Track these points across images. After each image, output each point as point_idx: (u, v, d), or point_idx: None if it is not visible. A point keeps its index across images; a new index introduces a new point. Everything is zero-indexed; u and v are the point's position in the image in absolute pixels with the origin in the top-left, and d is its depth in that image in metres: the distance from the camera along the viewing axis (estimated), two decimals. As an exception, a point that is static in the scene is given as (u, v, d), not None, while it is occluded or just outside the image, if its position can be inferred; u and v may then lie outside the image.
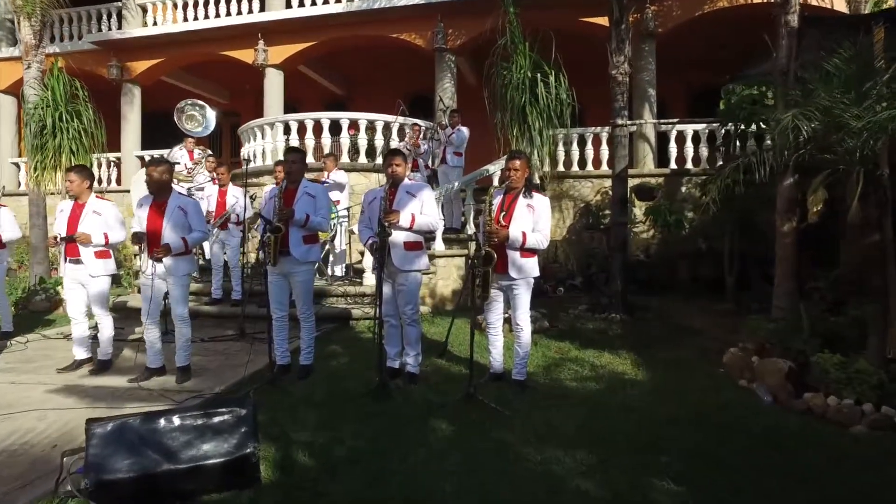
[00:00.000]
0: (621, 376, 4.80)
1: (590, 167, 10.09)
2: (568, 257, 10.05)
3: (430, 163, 9.09)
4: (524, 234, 4.07)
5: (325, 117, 9.58)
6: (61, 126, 8.05)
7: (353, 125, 9.68)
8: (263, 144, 9.98)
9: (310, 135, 9.81)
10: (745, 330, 5.41)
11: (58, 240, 4.75)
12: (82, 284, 4.83)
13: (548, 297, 8.86)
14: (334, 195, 8.09)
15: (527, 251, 4.15)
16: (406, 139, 9.28)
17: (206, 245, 7.73)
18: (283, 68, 12.13)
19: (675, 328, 6.57)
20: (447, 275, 7.98)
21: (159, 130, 13.36)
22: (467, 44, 10.92)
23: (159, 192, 4.54)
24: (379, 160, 9.60)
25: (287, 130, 9.77)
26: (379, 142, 9.75)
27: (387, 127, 9.74)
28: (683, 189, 9.72)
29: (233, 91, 15.29)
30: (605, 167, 9.99)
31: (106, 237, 4.75)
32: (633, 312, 7.23)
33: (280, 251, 4.43)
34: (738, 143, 8.66)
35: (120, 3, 12.79)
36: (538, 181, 9.16)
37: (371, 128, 9.79)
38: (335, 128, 9.68)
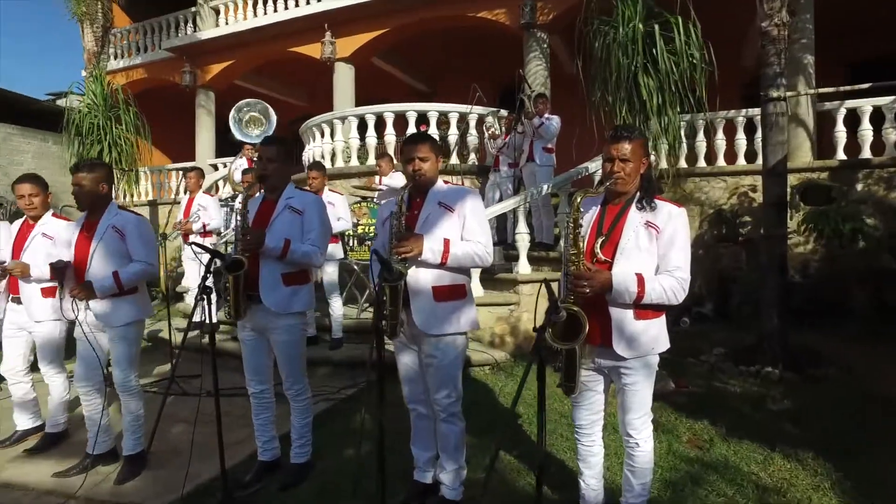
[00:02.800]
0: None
1: (721, 161, 7.80)
2: (693, 277, 7.80)
3: (515, 159, 7.28)
4: (641, 280, 2.22)
5: (389, 111, 8.14)
6: (100, 133, 7.29)
7: (423, 119, 8.15)
8: (322, 146, 8.74)
9: (371, 133, 8.40)
10: None
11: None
12: (28, 331, 3.66)
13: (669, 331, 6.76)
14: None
15: (647, 309, 2.29)
16: (486, 132, 7.60)
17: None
18: (353, 62, 10.92)
19: (882, 401, 4.28)
20: (533, 305, 6.15)
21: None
22: (561, 17, 8.99)
23: (91, 207, 3.22)
24: (454, 160, 7.99)
25: (362, 126, 8.42)
26: (453, 137, 8.12)
27: (463, 119, 8.11)
28: (859, 186, 7.14)
29: (310, 92, 14.43)
30: (741, 161, 7.66)
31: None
32: (799, 364, 4.99)
33: (248, 296, 2.93)
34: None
35: (195, 9, 12.33)
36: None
37: (444, 121, 8.21)
38: (400, 124, 8.20)
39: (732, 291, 7.13)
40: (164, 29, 12.82)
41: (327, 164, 8.62)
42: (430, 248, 2.56)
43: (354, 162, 8.48)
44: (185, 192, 6.46)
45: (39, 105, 12.55)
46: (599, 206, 2.44)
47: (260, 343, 3.06)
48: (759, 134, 6.72)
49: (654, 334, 2.31)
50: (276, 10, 11.26)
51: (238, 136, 8.22)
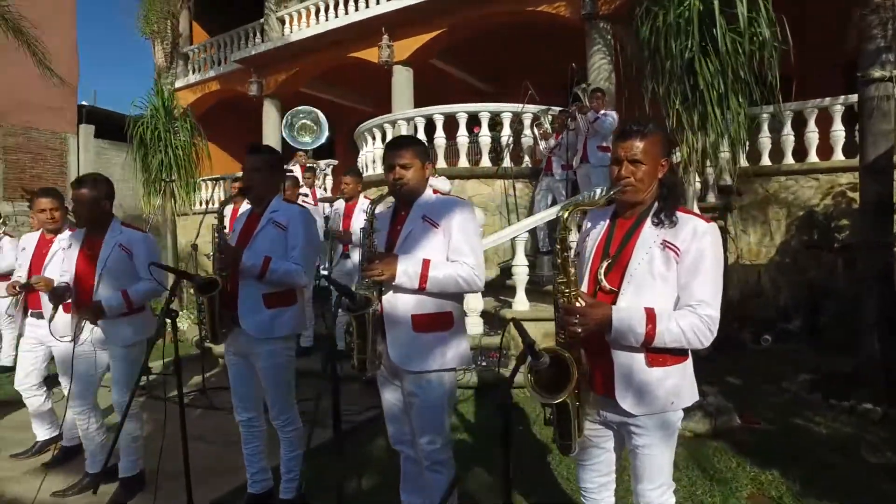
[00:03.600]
0: None
1: (813, 157, 6.83)
2: (778, 288, 6.89)
3: (568, 160, 6.72)
4: (651, 317, 1.72)
5: (438, 113, 7.82)
6: (159, 144, 7.53)
7: (475, 120, 7.77)
8: (374, 150, 8.59)
9: (420, 136, 8.12)
10: None
11: (17, 287, 3.60)
12: (47, 346, 3.66)
13: (744, 349, 5.99)
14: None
15: (664, 352, 1.78)
16: (537, 131, 7.09)
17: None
18: (411, 64, 10.72)
19: None
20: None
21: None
22: (624, 5, 8.26)
23: (92, 224, 3.12)
24: (507, 162, 7.54)
25: (430, 127, 8.17)
26: (506, 138, 7.67)
27: (518, 120, 7.65)
28: None
29: (374, 97, 14.45)
30: (838, 156, 6.67)
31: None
32: (907, 400, 4.14)
33: (230, 317, 2.69)
34: None
35: (262, 21, 12.68)
36: (728, 182, 6.31)
37: (497, 121, 7.78)
38: (450, 126, 7.87)
39: (824, 307, 6.18)
40: (234, 42, 13.28)
41: (374, 171, 8.45)
42: (405, 270, 2.18)
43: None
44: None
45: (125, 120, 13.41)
46: (608, 221, 1.96)
47: (245, 368, 2.82)
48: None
49: (674, 385, 1.80)
50: (336, 16, 11.30)
51: (289, 142, 8.27)
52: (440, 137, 7.75)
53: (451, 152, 8.09)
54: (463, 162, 7.59)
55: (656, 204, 1.84)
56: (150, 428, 3.70)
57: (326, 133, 8.33)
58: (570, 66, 6.33)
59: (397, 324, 2.24)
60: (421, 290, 2.19)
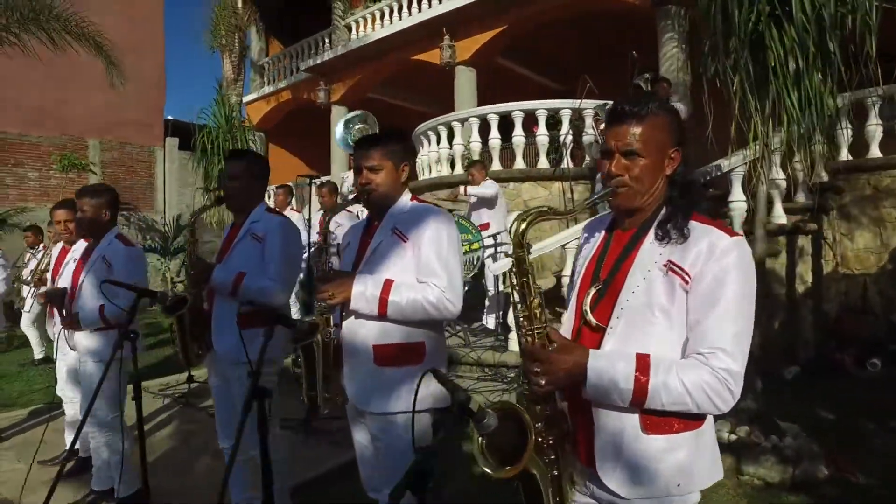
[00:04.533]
0: None
1: (936, 146, 5.74)
2: (890, 303, 5.85)
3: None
4: (644, 366, 1.23)
5: (492, 112, 7.40)
6: (219, 154, 7.71)
7: (532, 119, 7.29)
8: (428, 153, 8.31)
9: (476, 137, 7.75)
10: None
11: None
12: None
13: (843, 375, 5.13)
14: (481, 215, 5.88)
15: (668, 415, 1.28)
16: (595, 129, 6.51)
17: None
18: (474, 64, 10.38)
19: None
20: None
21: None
22: (703, -16, 7.45)
23: (92, 234, 3.04)
24: (566, 162, 6.99)
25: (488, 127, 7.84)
26: (565, 137, 7.11)
27: (578, 117, 7.08)
28: None
29: (442, 101, 14.25)
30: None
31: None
32: None
33: (204, 338, 2.47)
34: None
35: (330, 28, 12.86)
36: (823, 177, 5.41)
37: (555, 119, 7.25)
38: (505, 126, 7.43)
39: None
40: (304, 52, 13.57)
41: (433, 173, 8.18)
42: (362, 292, 1.82)
43: (459, 170, 7.90)
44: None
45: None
46: (605, 233, 1.50)
47: (226, 392, 2.59)
48: None
49: (683, 461, 1.30)
50: (400, 18, 11.19)
51: (342, 147, 8.18)
52: (494, 138, 7.33)
53: (508, 154, 7.64)
54: (519, 163, 7.12)
55: (663, 211, 1.36)
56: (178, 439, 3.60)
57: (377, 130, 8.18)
58: (629, 55, 5.70)
59: (357, 355, 1.89)
60: (381, 316, 1.83)
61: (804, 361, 5.36)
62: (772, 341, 5.19)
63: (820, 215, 5.79)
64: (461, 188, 5.88)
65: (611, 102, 5.25)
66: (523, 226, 1.31)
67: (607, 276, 1.38)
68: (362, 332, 1.89)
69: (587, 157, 6.99)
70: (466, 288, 5.75)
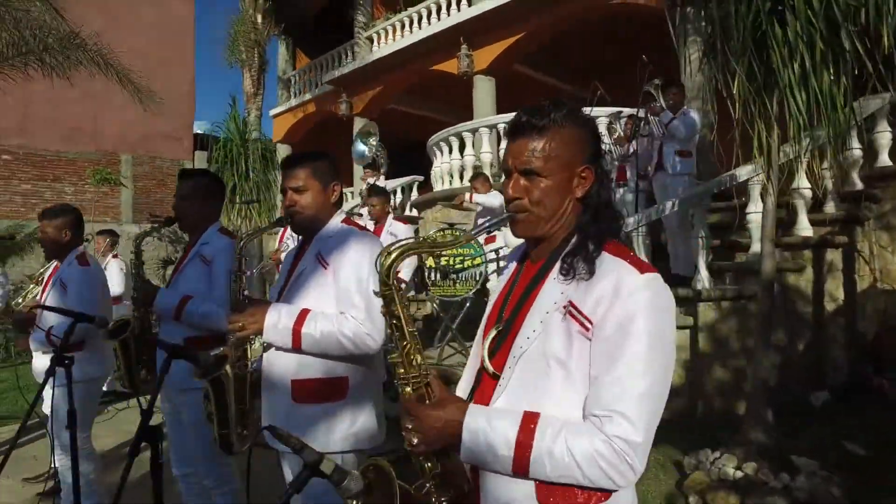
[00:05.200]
0: None
1: None
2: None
3: (644, 169, 5.77)
4: (528, 429, 1.02)
5: (501, 122, 7.20)
6: (233, 168, 7.78)
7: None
8: (440, 165, 8.17)
9: (487, 148, 7.56)
10: None
11: None
12: None
13: (881, 399, 4.70)
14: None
15: (568, 486, 1.03)
16: (610, 138, 6.22)
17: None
18: (492, 73, 10.22)
19: None
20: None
21: (395, 161, 13.07)
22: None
23: (56, 255, 3.00)
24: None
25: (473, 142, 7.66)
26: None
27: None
28: None
29: (463, 111, 14.14)
30: None
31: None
32: None
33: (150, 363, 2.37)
34: None
35: (352, 41, 12.93)
36: (857, 185, 5.00)
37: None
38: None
39: None
40: (328, 65, 13.68)
41: (445, 185, 8.03)
42: (275, 324, 1.67)
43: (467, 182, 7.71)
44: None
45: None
46: (516, 263, 1.30)
47: (178, 418, 2.48)
48: None
49: None
50: (420, 28, 11.15)
51: (358, 162, 8.19)
52: (505, 149, 7.11)
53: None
54: (530, 174, 6.88)
55: (573, 240, 1.15)
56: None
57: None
58: (639, 60, 5.42)
59: (274, 390, 1.73)
60: (297, 349, 1.67)
61: (834, 386, 4.92)
62: (795, 364, 4.80)
63: (852, 227, 5.34)
64: (466, 195, 5.69)
65: (625, 110, 4.92)
66: (389, 260, 1.10)
67: (509, 316, 1.19)
68: (280, 365, 1.73)
69: (602, 167, 6.68)
70: (468, 304, 5.55)
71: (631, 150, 5.73)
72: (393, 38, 11.92)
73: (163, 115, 12.77)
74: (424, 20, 11.09)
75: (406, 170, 9.97)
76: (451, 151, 8.03)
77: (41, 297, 3.43)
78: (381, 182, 8.55)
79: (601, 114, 6.43)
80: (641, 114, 5.43)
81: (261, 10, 9.72)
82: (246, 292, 1.80)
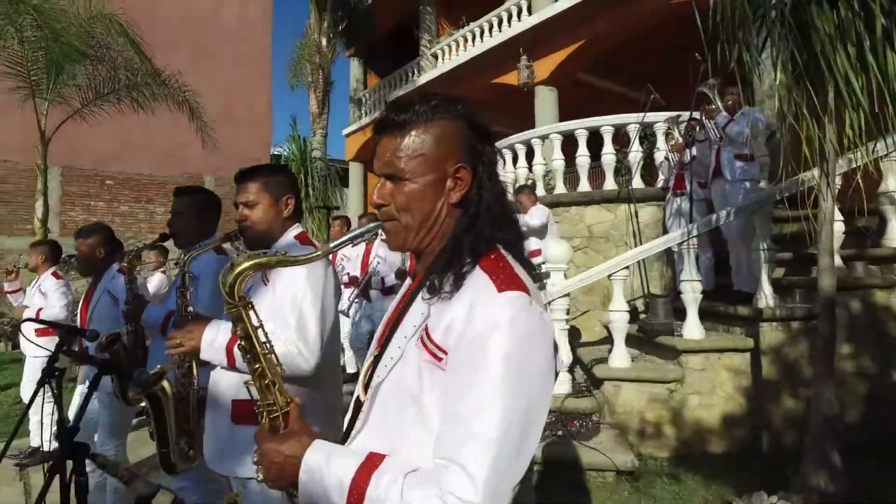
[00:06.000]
0: None
1: None
2: None
3: (704, 177, 5.32)
4: (364, 474, 0.86)
5: (555, 132, 6.94)
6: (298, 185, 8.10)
7: (597, 136, 6.72)
8: (503, 175, 7.98)
9: (539, 160, 7.31)
10: None
11: None
12: None
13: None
14: (529, 243, 5.46)
15: None
16: (667, 144, 5.82)
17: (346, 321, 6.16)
18: (554, 83, 9.96)
19: None
20: (708, 385, 4.25)
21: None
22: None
23: (91, 272, 3.17)
24: (637, 181, 6.34)
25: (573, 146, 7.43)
26: (636, 154, 6.46)
27: (653, 133, 6.42)
28: None
29: (530, 124, 13.91)
30: None
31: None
32: None
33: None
34: None
35: (418, 58, 13.13)
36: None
37: (622, 136, 6.64)
38: (569, 145, 6.92)
39: None
40: (395, 84, 13.98)
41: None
42: (211, 341, 1.61)
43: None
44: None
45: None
46: (411, 279, 1.15)
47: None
48: None
49: None
50: (482, 41, 11.13)
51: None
52: (557, 159, 6.85)
53: (574, 177, 7.10)
54: (584, 185, 6.58)
55: (445, 256, 0.99)
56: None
57: None
58: (692, 58, 5.00)
59: (216, 410, 1.67)
60: (232, 368, 1.60)
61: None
62: (886, 396, 4.16)
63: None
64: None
65: (684, 114, 4.51)
66: (232, 275, 0.99)
67: (383, 340, 1.04)
68: (224, 384, 1.67)
69: (661, 176, 6.27)
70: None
71: (689, 157, 5.30)
72: (456, 52, 11.97)
73: (243, 137, 13.63)
74: (486, 33, 11.05)
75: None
76: (504, 164, 7.86)
77: (83, 314, 3.61)
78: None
79: (658, 119, 6.03)
80: (696, 117, 5.01)
81: (326, 33, 10.09)
82: (190, 308, 1.76)
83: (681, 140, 5.46)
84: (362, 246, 5.50)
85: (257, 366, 1.01)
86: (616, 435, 4.12)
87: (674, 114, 5.58)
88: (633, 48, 9.53)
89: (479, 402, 0.82)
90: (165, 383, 1.62)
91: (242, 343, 1.02)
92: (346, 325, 5.99)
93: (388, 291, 5.14)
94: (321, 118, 10.23)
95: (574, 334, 6.30)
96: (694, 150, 5.34)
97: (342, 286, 5.61)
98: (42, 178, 8.12)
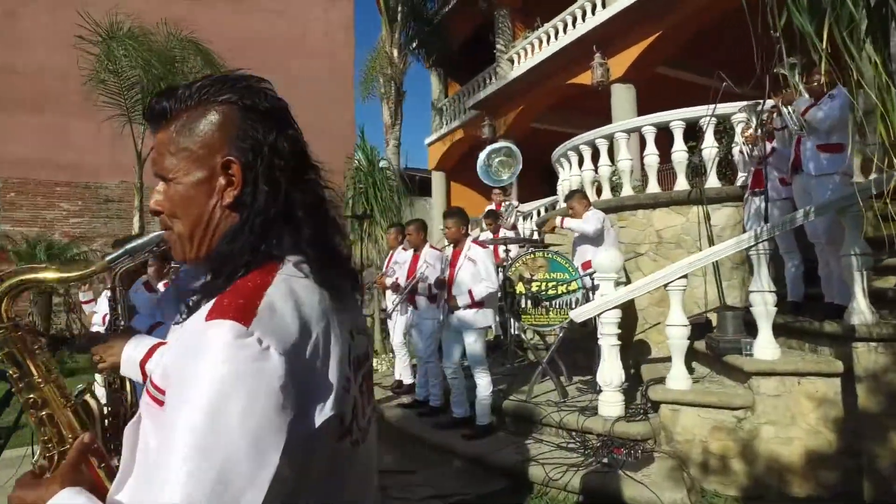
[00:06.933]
0: None
1: None
2: None
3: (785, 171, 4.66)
4: None
5: (619, 130, 6.45)
6: (360, 195, 8.19)
7: (668, 133, 6.17)
8: (570, 177, 7.61)
9: (605, 161, 6.84)
10: None
11: None
12: None
13: None
14: (584, 252, 5.12)
15: None
16: (741, 137, 5.19)
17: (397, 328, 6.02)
18: (631, 79, 9.36)
19: None
20: (785, 414, 3.67)
21: (538, 182, 12.73)
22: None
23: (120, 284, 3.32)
24: (713, 180, 5.73)
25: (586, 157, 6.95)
26: (711, 151, 5.84)
27: (732, 126, 5.79)
28: None
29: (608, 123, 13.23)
30: None
31: None
32: None
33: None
34: None
35: (494, 64, 12.96)
36: None
37: (697, 130, 6.03)
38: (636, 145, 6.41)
39: None
40: (473, 90, 13.89)
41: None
42: (129, 357, 1.53)
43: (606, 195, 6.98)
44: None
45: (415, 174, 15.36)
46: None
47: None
48: None
49: None
50: (556, 40, 10.74)
51: (485, 180, 8.05)
52: (625, 160, 6.36)
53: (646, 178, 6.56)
54: (653, 186, 6.05)
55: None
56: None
57: (520, 165, 7.84)
58: (769, 37, 4.38)
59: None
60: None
61: None
62: None
63: None
64: (558, 219, 5.16)
65: (759, 102, 3.98)
66: None
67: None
68: (148, 402, 1.59)
69: (739, 173, 5.61)
70: (560, 334, 4.98)
71: (767, 150, 4.66)
72: (532, 54, 11.66)
73: (326, 147, 14.18)
74: (560, 32, 10.64)
75: (550, 191, 9.61)
76: (570, 166, 7.47)
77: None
78: (514, 203, 8.30)
79: (733, 109, 5.40)
80: (771, 103, 4.39)
81: (397, 44, 10.21)
82: (121, 322, 1.70)
83: (758, 131, 4.82)
84: (411, 250, 5.37)
85: (30, 397, 0.89)
86: (670, 468, 3.64)
87: (752, 102, 4.95)
88: (715, 38, 8.72)
89: (169, 462, 0.62)
90: (89, 398, 1.57)
91: (12, 372, 0.90)
92: (397, 333, 5.91)
93: (433, 300, 4.97)
94: (394, 128, 10.34)
95: (641, 349, 5.78)
96: (775, 142, 4.70)
97: (388, 290, 5.51)
98: (138, 195, 8.91)
